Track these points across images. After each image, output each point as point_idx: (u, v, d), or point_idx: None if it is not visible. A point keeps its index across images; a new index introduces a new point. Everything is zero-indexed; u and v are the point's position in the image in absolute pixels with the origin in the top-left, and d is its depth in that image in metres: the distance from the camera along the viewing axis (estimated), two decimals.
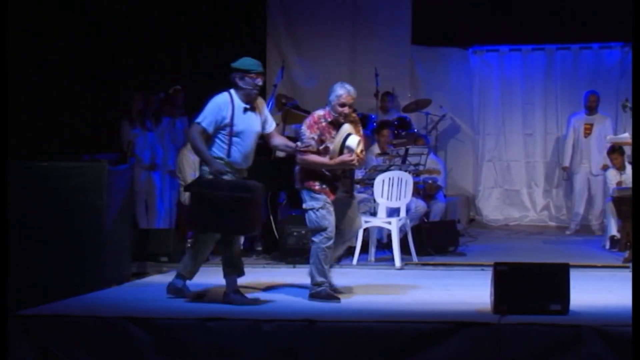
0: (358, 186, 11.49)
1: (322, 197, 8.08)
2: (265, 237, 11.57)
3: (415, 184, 11.48)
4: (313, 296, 8.02)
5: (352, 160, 7.98)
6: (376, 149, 12.35)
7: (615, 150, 12.34)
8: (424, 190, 12.13)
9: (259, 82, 8.04)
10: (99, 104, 12.25)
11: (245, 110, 8.00)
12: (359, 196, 11.41)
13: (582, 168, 13.86)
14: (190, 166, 11.35)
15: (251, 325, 6.78)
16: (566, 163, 14.14)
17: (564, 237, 13.62)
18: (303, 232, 10.50)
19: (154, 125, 12.29)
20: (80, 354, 6.87)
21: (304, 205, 8.16)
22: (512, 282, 7.07)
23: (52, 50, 11.63)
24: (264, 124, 8.19)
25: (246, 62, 8.07)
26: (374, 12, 15.33)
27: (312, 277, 8.11)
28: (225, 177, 7.85)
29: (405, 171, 11.13)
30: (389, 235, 10.69)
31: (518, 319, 6.70)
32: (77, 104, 12.01)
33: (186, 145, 11.66)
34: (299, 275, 9.62)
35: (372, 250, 10.85)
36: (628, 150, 13.22)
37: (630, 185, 11.72)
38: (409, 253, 10.57)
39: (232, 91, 8.05)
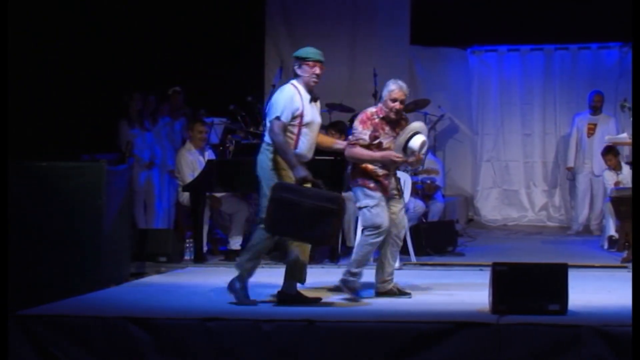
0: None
1: (377, 194, 8.06)
2: None
3: (414, 184, 11.49)
4: (341, 282, 8.10)
5: (398, 158, 7.97)
6: None
7: (609, 151, 12.36)
8: (423, 191, 12.14)
9: (317, 70, 7.99)
10: (98, 105, 12.26)
11: (310, 100, 7.94)
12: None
13: (584, 168, 13.87)
14: (188, 166, 11.36)
15: (251, 326, 6.78)
16: (570, 163, 14.16)
17: (562, 238, 13.64)
18: None
19: (153, 125, 12.30)
20: (80, 354, 6.87)
21: (358, 204, 8.16)
22: (510, 282, 7.07)
23: (51, 50, 11.65)
24: None
25: (305, 50, 8.17)
26: (373, 13, 15.34)
27: (350, 265, 8.15)
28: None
29: (404, 171, 11.12)
30: None
31: (517, 319, 6.70)
32: (76, 104, 12.02)
33: (185, 145, 11.68)
34: None
35: None
36: (626, 150, 13.28)
37: (628, 185, 11.75)
38: (408, 253, 10.57)
39: (294, 82, 7.99)
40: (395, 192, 8.20)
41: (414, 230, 11.12)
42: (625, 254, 10.66)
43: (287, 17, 15.44)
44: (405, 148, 7.96)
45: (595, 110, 13.83)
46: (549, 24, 14.65)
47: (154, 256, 10.64)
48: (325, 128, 13.23)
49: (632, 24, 8.90)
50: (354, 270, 8.11)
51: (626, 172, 12.16)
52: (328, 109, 13.53)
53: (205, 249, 11.08)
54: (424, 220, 11.79)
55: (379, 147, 8.06)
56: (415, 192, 11.64)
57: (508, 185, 15.39)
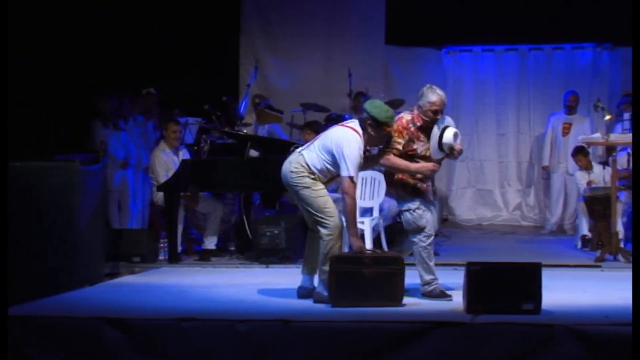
0: (332, 185, 11.51)
1: (419, 197, 8.09)
2: (238, 237, 11.57)
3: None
4: (425, 295, 8.01)
5: (435, 168, 8.05)
6: None
7: (579, 151, 12.40)
8: None
9: (389, 132, 8.00)
10: (71, 105, 12.22)
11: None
12: (331, 196, 11.43)
13: (559, 168, 13.92)
14: (162, 166, 11.33)
15: (226, 326, 6.77)
16: (545, 162, 14.22)
17: (536, 237, 13.69)
18: (276, 232, 10.52)
19: (126, 124, 12.26)
20: (53, 354, 6.84)
21: (401, 207, 8.20)
22: (485, 281, 7.10)
23: (24, 51, 11.58)
24: None
25: (385, 113, 7.91)
26: (348, 13, 15.34)
27: (421, 277, 8.09)
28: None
29: (379, 171, 11.14)
30: (362, 235, 10.69)
31: (491, 318, 6.72)
32: (50, 104, 11.97)
33: (159, 145, 11.64)
34: (273, 275, 9.65)
35: (345, 250, 10.84)
36: (600, 149, 13.35)
37: (600, 184, 11.81)
38: None
39: (360, 132, 7.95)
40: (432, 193, 8.20)
41: (389, 230, 11.13)
42: (598, 253, 10.71)
43: (262, 17, 15.42)
44: (441, 145, 7.94)
45: (571, 110, 13.88)
46: (524, 25, 14.70)
47: (128, 256, 10.61)
48: (300, 128, 13.27)
49: (632, 24, 8.92)
50: (427, 278, 8.09)
51: (597, 171, 12.22)
52: (303, 108, 13.53)
53: (179, 248, 11.07)
54: (399, 220, 11.78)
55: (415, 154, 8.04)
56: (389, 192, 11.63)
57: (482, 185, 15.43)
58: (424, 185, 8.11)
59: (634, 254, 8.33)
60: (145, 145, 12.43)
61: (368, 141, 7.97)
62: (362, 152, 7.90)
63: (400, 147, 8.02)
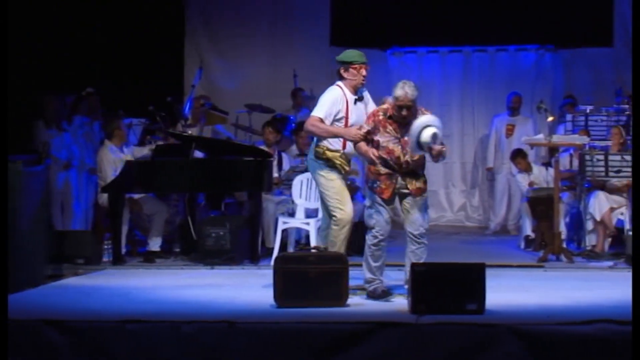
0: (276, 187, 11.51)
1: (374, 195, 8.13)
2: (183, 238, 11.52)
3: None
4: (368, 295, 8.11)
5: (358, 133, 8.12)
6: (295, 150, 12.35)
7: (517, 154, 12.50)
8: None
9: (363, 72, 8.37)
10: (13, 106, 12.07)
11: (355, 101, 8.38)
12: (276, 198, 11.44)
13: (503, 169, 13.97)
14: (110, 164, 11.26)
15: (171, 327, 6.73)
16: (490, 164, 14.32)
17: (480, 237, 13.77)
18: (221, 233, 10.49)
19: (69, 125, 12.16)
20: None
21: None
22: (429, 282, 7.13)
23: None
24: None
25: (349, 54, 8.50)
26: (292, 14, 15.35)
27: (365, 275, 8.22)
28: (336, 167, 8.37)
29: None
30: (308, 236, 10.72)
31: (435, 318, 6.75)
32: None
33: (104, 143, 11.57)
34: (218, 276, 9.63)
35: (291, 250, 10.86)
36: (543, 150, 13.44)
37: (541, 184, 11.92)
38: None
39: (341, 83, 8.40)
40: (406, 190, 8.13)
41: None
42: (541, 253, 10.80)
43: (206, 18, 15.37)
44: (420, 144, 7.94)
45: (514, 111, 13.99)
46: (468, 26, 14.79)
47: (71, 258, 10.51)
48: (245, 129, 13.27)
49: (632, 24, 8.99)
50: (367, 277, 8.20)
51: (537, 172, 12.33)
52: (248, 109, 13.51)
53: (124, 250, 10.99)
54: None
55: (376, 145, 8.06)
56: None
57: (427, 185, 15.45)
58: (382, 186, 8.11)
59: (634, 253, 8.38)
60: (89, 146, 12.32)
61: (351, 87, 8.37)
62: (338, 101, 8.29)
63: (364, 132, 8.15)
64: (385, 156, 8.02)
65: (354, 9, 14.92)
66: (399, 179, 8.09)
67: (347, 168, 8.50)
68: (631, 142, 11.42)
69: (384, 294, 8.04)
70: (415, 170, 8.11)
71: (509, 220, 14.05)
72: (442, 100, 15.25)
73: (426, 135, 7.86)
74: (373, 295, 8.02)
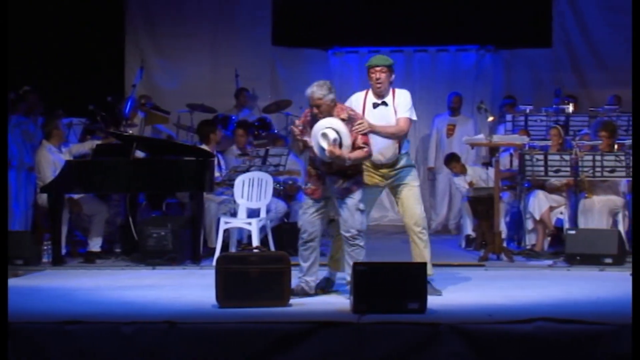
0: (218, 188, 11.48)
1: (305, 196, 8.23)
2: (124, 238, 11.45)
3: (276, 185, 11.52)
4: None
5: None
6: (235, 150, 12.33)
7: (451, 159, 12.60)
8: (284, 191, 12.15)
9: (377, 75, 8.28)
10: None
11: (375, 105, 8.30)
12: (218, 198, 11.41)
13: (444, 169, 13.83)
14: (49, 164, 11.15)
15: (111, 328, 6.69)
16: (431, 163, 14.40)
17: None
18: (163, 233, 10.44)
19: (7, 124, 12.00)
20: None
21: None
22: (370, 281, 7.15)
23: None
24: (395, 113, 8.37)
25: (370, 59, 8.45)
26: (234, 13, 15.33)
27: None
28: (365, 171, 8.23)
29: (266, 172, 11.16)
30: (250, 236, 10.70)
31: (377, 318, 6.77)
32: None
33: (42, 143, 11.45)
34: (159, 277, 9.59)
35: (233, 251, 10.84)
36: (483, 150, 13.52)
37: (480, 184, 12.00)
38: None
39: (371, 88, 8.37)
40: (338, 192, 8.11)
41: (276, 230, 11.17)
42: (482, 252, 10.88)
43: (147, 17, 15.30)
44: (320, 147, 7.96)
45: (454, 111, 14.08)
46: (409, 27, 14.88)
47: (10, 259, 10.39)
48: (186, 128, 13.22)
49: (632, 24, 9.04)
50: (299, 275, 8.23)
51: (471, 172, 12.41)
52: (189, 109, 13.47)
53: (64, 251, 10.90)
54: (286, 221, 11.81)
55: (305, 145, 8.13)
56: (276, 193, 11.66)
57: None
58: (312, 187, 8.15)
59: (634, 254, 8.44)
60: (28, 145, 12.18)
61: (373, 91, 8.43)
62: (353, 104, 8.36)
63: (296, 130, 8.21)
64: (312, 156, 8.09)
65: (296, 9, 14.95)
66: (327, 179, 8.13)
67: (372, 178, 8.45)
68: (569, 142, 11.56)
69: (303, 292, 8.11)
70: (343, 171, 8.07)
71: (450, 219, 14.14)
72: None
73: (315, 134, 7.96)
74: (292, 294, 8.00)
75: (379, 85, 8.30)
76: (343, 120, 8.01)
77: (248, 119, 13.64)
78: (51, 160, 11.19)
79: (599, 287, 8.61)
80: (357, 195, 8.10)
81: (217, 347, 6.61)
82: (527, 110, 12.71)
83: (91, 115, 12.00)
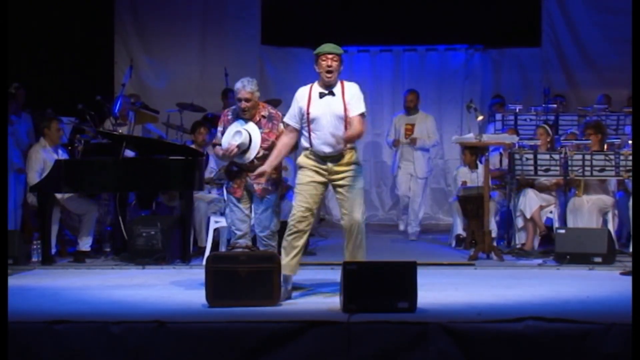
0: (208, 186, 11.47)
1: (229, 196, 8.30)
2: (113, 238, 11.43)
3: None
4: None
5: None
6: None
7: (470, 150, 12.24)
8: None
9: (328, 62, 8.20)
10: None
11: (322, 95, 8.14)
12: (207, 197, 11.39)
13: (404, 168, 13.27)
14: (36, 164, 11.11)
15: (99, 328, 6.67)
16: (390, 168, 14.22)
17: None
18: (152, 232, 10.43)
19: (6, 125, 11.97)
20: None
21: None
22: (360, 280, 7.15)
23: None
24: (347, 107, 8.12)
25: (319, 46, 8.37)
26: (223, 12, 15.33)
27: None
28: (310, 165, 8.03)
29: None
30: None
31: (367, 317, 6.77)
32: None
33: (39, 142, 11.41)
34: (149, 276, 9.57)
35: (223, 250, 10.83)
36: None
37: (475, 184, 11.99)
38: None
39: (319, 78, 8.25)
40: (257, 191, 8.21)
41: None
42: (471, 251, 10.88)
43: (136, 16, 15.29)
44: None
45: (410, 110, 13.34)
46: (398, 26, 14.89)
47: None
48: (176, 127, 13.19)
49: (632, 24, 9.05)
50: None
51: (463, 170, 12.35)
52: (179, 108, 13.45)
53: (53, 250, 10.88)
54: None
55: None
56: None
57: None
58: (234, 186, 8.27)
59: (634, 254, 8.45)
60: (16, 145, 12.16)
61: (320, 81, 8.47)
62: (298, 99, 8.32)
63: (220, 135, 8.32)
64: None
65: (285, 8, 14.95)
66: (248, 178, 8.21)
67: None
68: (558, 142, 11.58)
69: None
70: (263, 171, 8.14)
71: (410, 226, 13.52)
72: (373, 100, 15.27)
73: (234, 132, 8.11)
74: None
75: (329, 74, 8.17)
76: (263, 117, 8.27)
77: None
78: (41, 159, 11.15)
79: (588, 286, 8.63)
80: (274, 195, 8.28)
81: (207, 347, 6.60)
82: (517, 110, 12.73)
83: (80, 114, 11.97)
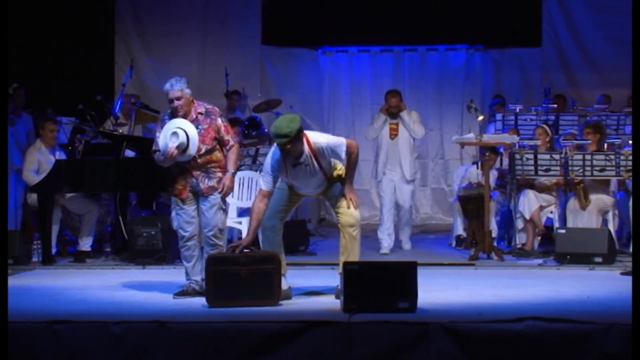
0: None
1: (174, 198, 8.23)
2: (114, 238, 11.44)
3: None
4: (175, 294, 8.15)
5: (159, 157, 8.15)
6: None
7: (490, 150, 11.55)
8: None
9: (282, 147, 7.68)
10: None
11: (295, 164, 7.87)
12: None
13: (389, 173, 12.33)
14: (33, 165, 11.10)
15: (100, 328, 6.67)
16: (376, 172, 13.96)
17: (412, 236, 13.78)
18: (152, 232, 10.43)
19: (6, 125, 11.97)
20: None
21: None
22: (361, 280, 7.15)
23: None
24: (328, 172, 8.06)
25: (272, 132, 7.85)
26: (223, 12, 15.32)
27: None
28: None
29: (256, 171, 11.15)
30: (240, 236, 10.68)
31: (367, 317, 6.77)
32: None
33: (35, 144, 11.41)
34: (149, 276, 9.57)
35: (223, 250, 10.81)
36: (474, 149, 13.51)
37: (475, 183, 11.99)
38: None
39: None
40: (202, 190, 8.17)
41: None
42: (472, 251, 10.88)
43: (136, 16, 15.28)
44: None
45: (395, 115, 12.28)
46: (398, 26, 14.89)
47: None
48: None
49: (632, 23, 9.05)
50: (186, 277, 8.32)
51: (473, 170, 12.31)
52: None
53: (53, 250, 10.88)
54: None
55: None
56: None
57: (359, 185, 15.43)
58: (183, 183, 8.20)
59: (634, 254, 8.44)
60: (16, 145, 12.15)
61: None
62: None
63: (158, 140, 8.26)
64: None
65: (285, 8, 14.95)
66: (193, 178, 8.17)
67: None
68: (558, 142, 11.57)
69: (195, 292, 8.11)
70: (207, 169, 8.15)
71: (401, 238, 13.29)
72: (373, 100, 15.31)
73: (170, 134, 8.05)
74: (183, 294, 8.10)
75: (288, 155, 7.80)
76: (200, 114, 8.21)
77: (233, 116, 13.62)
78: (35, 160, 11.14)
79: (588, 286, 8.62)
80: (217, 194, 8.19)
81: (207, 347, 6.60)
82: (517, 110, 12.73)
83: (81, 114, 11.96)
